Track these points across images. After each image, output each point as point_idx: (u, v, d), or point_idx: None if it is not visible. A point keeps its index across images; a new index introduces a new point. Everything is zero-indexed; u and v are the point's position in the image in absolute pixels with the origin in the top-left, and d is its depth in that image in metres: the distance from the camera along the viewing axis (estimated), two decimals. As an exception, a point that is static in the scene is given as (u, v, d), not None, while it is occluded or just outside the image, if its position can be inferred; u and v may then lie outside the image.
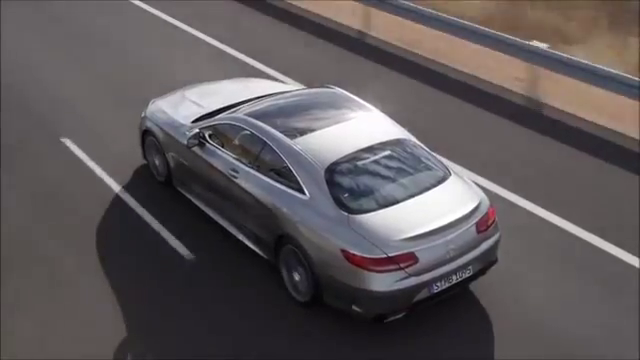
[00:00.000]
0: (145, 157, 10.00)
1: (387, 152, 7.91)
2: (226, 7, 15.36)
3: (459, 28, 12.88)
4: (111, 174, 10.02)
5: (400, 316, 7.33)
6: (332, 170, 7.65)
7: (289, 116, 8.37)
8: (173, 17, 14.94)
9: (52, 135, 10.93)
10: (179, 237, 8.86)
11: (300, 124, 8.22)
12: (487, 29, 12.50)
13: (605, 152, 10.33)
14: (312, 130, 8.11)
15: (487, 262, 7.70)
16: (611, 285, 8.04)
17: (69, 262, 8.48)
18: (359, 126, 8.22)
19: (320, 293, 7.52)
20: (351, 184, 7.56)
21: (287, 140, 7.98)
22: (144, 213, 9.26)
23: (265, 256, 8.19)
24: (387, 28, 14.25)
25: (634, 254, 8.44)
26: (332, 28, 14.30)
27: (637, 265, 8.29)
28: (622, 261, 8.35)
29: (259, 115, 8.44)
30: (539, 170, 9.96)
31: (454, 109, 11.48)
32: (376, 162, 7.79)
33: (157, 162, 9.72)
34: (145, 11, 15.25)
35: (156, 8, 15.37)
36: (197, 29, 14.36)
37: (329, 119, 8.30)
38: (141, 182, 9.87)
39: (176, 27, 14.45)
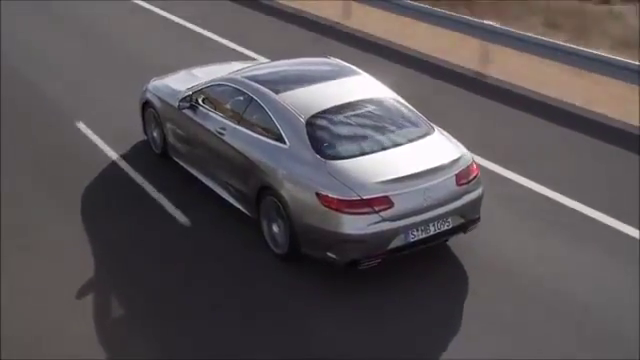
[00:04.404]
0: (145, 131, 10.12)
1: (372, 108, 7.93)
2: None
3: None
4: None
5: (375, 263, 7.22)
6: (313, 120, 7.67)
7: (280, 77, 8.46)
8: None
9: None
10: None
11: (288, 83, 8.29)
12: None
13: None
14: (298, 87, 8.18)
15: (468, 219, 7.57)
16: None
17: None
18: (347, 85, 8.27)
19: (298, 244, 7.46)
20: (332, 134, 7.57)
21: (272, 94, 8.05)
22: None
23: (248, 213, 8.16)
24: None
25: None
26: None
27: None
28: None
29: (251, 77, 8.53)
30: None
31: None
32: (359, 116, 7.81)
33: (155, 134, 9.84)
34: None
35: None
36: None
37: (317, 79, 8.37)
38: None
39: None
